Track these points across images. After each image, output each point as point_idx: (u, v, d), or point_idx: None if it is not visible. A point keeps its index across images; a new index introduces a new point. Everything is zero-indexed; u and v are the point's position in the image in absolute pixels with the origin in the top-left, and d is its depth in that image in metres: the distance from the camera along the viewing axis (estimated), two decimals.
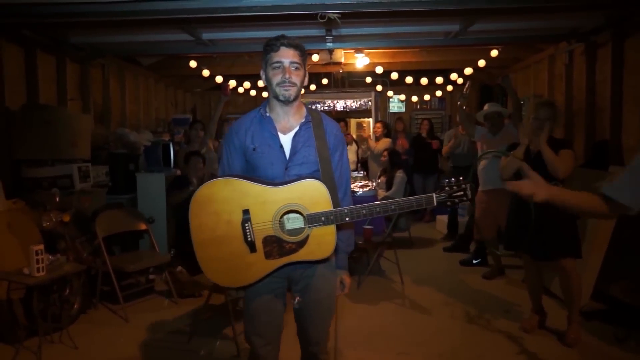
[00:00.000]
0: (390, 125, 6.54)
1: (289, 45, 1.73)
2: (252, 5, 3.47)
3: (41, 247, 2.76)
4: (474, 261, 4.69)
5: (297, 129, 1.81)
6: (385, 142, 6.48)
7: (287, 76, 1.72)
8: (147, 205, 4.49)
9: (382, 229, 4.35)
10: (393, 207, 1.67)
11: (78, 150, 4.19)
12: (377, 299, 3.78)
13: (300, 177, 1.72)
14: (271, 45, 1.74)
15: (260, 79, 1.87)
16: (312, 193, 1.68)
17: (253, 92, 7.95)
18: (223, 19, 4.00)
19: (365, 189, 4.83)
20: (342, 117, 9.53)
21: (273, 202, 1.68)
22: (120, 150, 4.98)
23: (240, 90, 7.51)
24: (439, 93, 8.27)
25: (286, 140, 1.80)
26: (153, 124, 6.94)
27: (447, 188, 1.66)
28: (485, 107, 4.53)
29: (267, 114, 1.81)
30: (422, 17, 4.40)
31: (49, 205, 3.52)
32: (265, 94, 8.12)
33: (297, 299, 1.82)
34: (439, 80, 7.09)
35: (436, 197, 1.65)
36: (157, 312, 3.56)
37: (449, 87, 7.94)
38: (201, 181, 4.31)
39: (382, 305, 3.68)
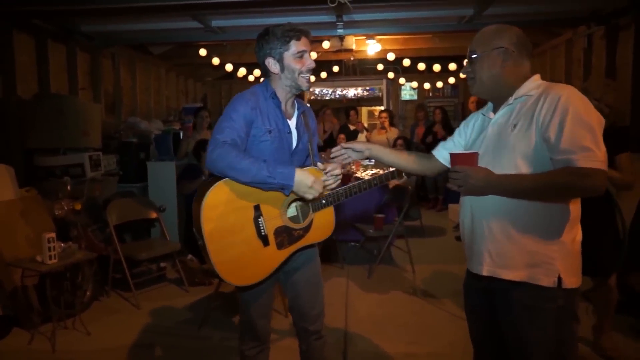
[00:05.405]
0: (393, 113, 6.37)
1: (307, 35, 1.76)
2: None
3: (53, 234, 2.78)
4: None
5: (295, 117, 1.84)
6: (395, 131, 6.39)
7: (312, 65, 1.75)
8: (158, 194, 4.51)
9: (394, 217, 4.30)
10: (375, 181, 1.83)
11: (89, 139, 4.21)
12: (387, 287, 3.75)
13: (301, 167, 1.75)
14: (292, 33, 1.71)
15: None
16: None
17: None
18: (232, 5, 3.95)
19: None
20: (354, 105, 9.44)
21: (280, 194, 1.68)
22: (131, 139, 5.00)
23: (251, 78, 7.48)
24: (451, 80, 8.13)
25: (291, 125, 1.83)
26: (164, 113, 6.96)
27: None
28: None
29: (276, 97, 1.79)
30: (435, 1, 4.30)
31: (61, 193, 3.55)
32: None
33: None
34: (452, 67, 6.97)
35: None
36: (168, 300, 3.58)
37: (462, 74, 7.79)
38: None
39: (392, 294, 3.65)
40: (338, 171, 1.76)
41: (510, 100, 1.47)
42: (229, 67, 6.66)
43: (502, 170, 1.40)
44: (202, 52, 5.97)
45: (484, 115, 1.59)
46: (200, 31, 5.08)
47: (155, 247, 3.79)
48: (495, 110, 1.54)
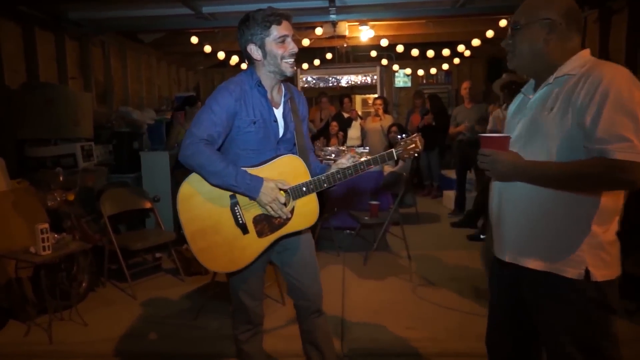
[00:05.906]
0: (387, 100, 6.33)
1: (288, 19, 1.72)
2: None
3: (46, 225, 2.75)
4: (482, 236, 4.66)
5: (282, 104, 1.82)
6: (389, 119, 6.37)
7: (295, 50, 1.72)
8: (152, 184, 4.48)
9: (389, 204, 4.31)
10: (362, 166, 1.75)
11: (81, 129, 4.16)
12: (384, 274, 3.77)
13: (277, 155, 1.76)
14: (272, 18, 1.68)
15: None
16: (291, 167, 1.74)
17: None
18: None
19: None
20: (347, 92, 9.38)
21: None
22: (124, 129, 4.94)
23: (244, 66, 7.40)
24: (445, 66, 8.09)
25: (278, 115, 1.80)
26: (156, 102, 6.88)
27: (402, 143, 1.79)
28: (504, 75, 4.28)
29: (261, 86, 1.77)
30: None
31: (53, 184, 3.51)
32: None
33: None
34: (446, 52, 6.92)
35: (395, 152, 1.77)
36: (164, 290, 3.58)
37: (456, 60, 7.76)
38: None
39: (389, 280, 3.67)
40: (348, 155, 1.81)
41: (551, 79, 1.34)
42: (221, 55, 6.58)
43: (534, 155, 1.32)
44: (194, 39, 5.87)
45: (524, 95, 1.48)
46: (191, 18, 5.00)
47: (150, 237, 3.76)
48: (535, 90, 1.41)
